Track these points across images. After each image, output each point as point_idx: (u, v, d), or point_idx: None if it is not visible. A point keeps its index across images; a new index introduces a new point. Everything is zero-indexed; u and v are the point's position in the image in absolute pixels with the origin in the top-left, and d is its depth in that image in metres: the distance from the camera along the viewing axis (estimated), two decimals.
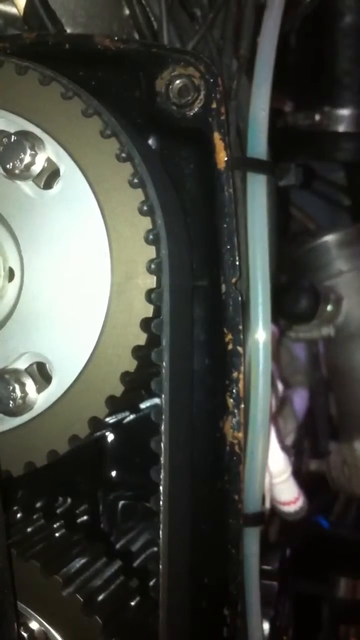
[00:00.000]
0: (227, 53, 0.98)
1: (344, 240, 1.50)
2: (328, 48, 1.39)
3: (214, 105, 0.82)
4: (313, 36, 1.40)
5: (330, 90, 1.39)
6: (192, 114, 0.83)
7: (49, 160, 0.75)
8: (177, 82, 0.82)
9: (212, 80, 0.82)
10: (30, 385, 0.76)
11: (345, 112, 1.37)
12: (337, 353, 1.50)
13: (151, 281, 0.73)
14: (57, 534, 0.85)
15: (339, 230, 1.52)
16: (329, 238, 1.50)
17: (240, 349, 0.85)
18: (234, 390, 0.85)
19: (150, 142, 0.86)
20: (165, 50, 0.84)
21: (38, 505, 0.94)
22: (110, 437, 0.96)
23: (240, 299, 0.85)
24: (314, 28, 1.39)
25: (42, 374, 0.77)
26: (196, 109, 0.83)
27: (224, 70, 0.97)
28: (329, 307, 1.41)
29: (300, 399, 1.46)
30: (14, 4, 0.92)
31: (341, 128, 1.37)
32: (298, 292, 1.35)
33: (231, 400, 0.85)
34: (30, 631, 0.76)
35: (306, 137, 1.40)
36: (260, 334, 0.91)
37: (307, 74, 1.41)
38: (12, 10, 0.93)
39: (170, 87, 0.82)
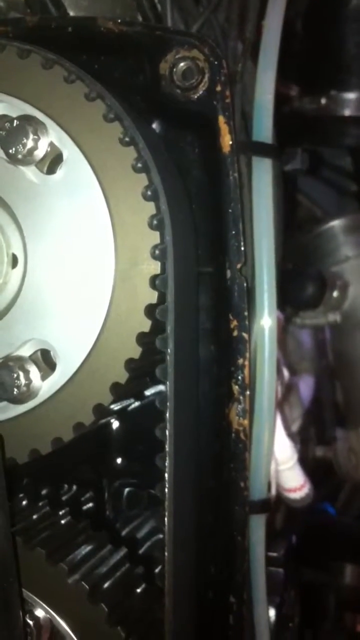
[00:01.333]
0: (232, 36, 0.97)
1: (350, 226, 1.49)
2: (334, 32, 1.37)
3: (218, 89, 0.81)
4: (319, 20, 1.39)
5: (337, 74, 1.37)
6: (196, 97, 0.82)
7: (52, 144, 0.74)
8: (181, 65, 0.81)
9: (216, 62, 0.81)
10: (34, 372, 0.75)
11: (351, 95, 1.35)
12: (343, 339, 1.50)
13: (155, 267, 0.73)
14: (62, 522, 0.85)
15: (345, 216, 1.51)
16: (336, 224, 1.49)
17: (245, 335, 0.84)
18: (240, 377, 0.85)
19: (154, 126, 0.86)
20: (169, 32, 0.83)
21: (43, 492, 0.94)
22: (115, 424, 0.95)
23: (245, 285, 0.84)
24: (320, 12, 1.38)
25: (46, 361, 0.76)
26: (200, 92, 0.81)
27: (229, 53, 0.96)
28: (335, 294, 1.40)
29: (306, 386, 1.45)
30: None
31: (347, 112, 1.36)
32: (304, 279, 1.34)
33: (236, 387, 0.85)
34: (35, 619, 0.76)
35: (312, 122, 1.39)
36: (266, 320, 0.90)
37: (313, 58, 1.40)
38: None
39: (174, 70, 0.81)
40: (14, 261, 0.76)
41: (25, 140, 0.73)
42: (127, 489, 0.96)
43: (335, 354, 1.53)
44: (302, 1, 1.34)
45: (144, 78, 0.84)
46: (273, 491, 1.06)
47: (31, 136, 0.73)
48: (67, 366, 0.74)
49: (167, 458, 0.74)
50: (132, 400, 0.95)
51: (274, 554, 1.04)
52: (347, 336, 1.48)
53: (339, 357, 1.53)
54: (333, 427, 1.57)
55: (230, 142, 0.82)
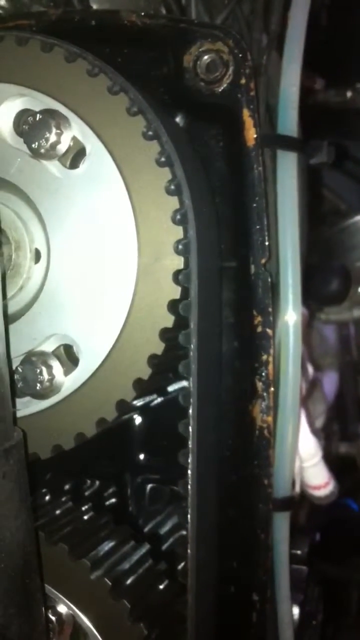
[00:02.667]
0: (257, 28, 0.96)
1: None
2: (359, 24, 1.36)
3: (243, 81, 0.80)
4: (344, 12, 1.38)
5: None
6: (220, 90, 0.81)
7: (74, 139, 0.73)
8: (205, 57, 0.80)
9: (241, 55, 0.80)
10: (57, 367, 0.75)
11: None
12: None
13: (179, 262, 0.72)
14: (85, 517, 0.85)
15: None
16: None
17: (269, 331, 0.83)
18: (263, 374, 0.84)
19: (177, 119, 0.85)
20: (193, 25, 0.82)
21: (66, 487, 0.94)
22: (138, 420, 0.95)
23: (269, 280, 0.83)
24: (345, 4, 1.37)
25: (69, 357, 0.76)
26: (225, 85, 0.81)
27: (254, 45, 0.95)
28: None
29: (330, 382, 1.44)
30: None
31: None
32: (329, 274, 1.33)
33: (260, 383, 0.84)
34: (58, 614, 0.76)
35: (337, 115, 1.38)
36: (291, 315, 0.90)
37: (338, 50, 1.38)
38: None
39: (198, 63, 0.80)
40: (37, 256, 0.75)
41: (48, 135, 0.72)
42: (149, 485, 0.96)
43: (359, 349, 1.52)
44: None
45: (167, 71, 0.83)
46: (297, 488, 1.05)
47: (54, 130, 0.72)
48: (89, 362, 0.74)
49: (190, 454, 0.73)
50: (155, 396, 0.94)
51: (298, 552, 1.04)
52: None
53: None
54: (356, 423, 1.56)
55: (255, 136, 0.81)
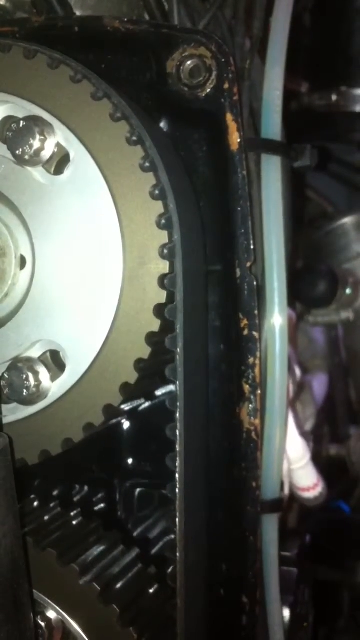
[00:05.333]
0: (240, 33, 0.96)
1: None
2: (343, 27, 1.37)
3: (226, 86, 0.81)
4: (328, 15, 1.38)
5: (347, 70, 1.37)
6: (204, 95, 0.81)
7: (58, 145, 0.74)
8: (189, 63, 0.81)
9: (224, 60, 0.80)
10: (44, 373, 0.75)
11: None
12: (356, 336, 1.49)
13: (164, 266, 0.72)
14: (74, 522, 0.85)
15: (357, 212, 1.50)
16: (347, 221, 1.49)
17: (256, 334, 0.84)
18: (250, 376, 0.84)
19: (161, 125, 0.85)
20: (176, 30, 0.82)
21: (55, 493, 0.94)
22: (126, 424, 0.95)
23: (255, 283, 0.84)
24: (328, 6, 1.37)
25: (55, 362, 0.76)
26: (208, 90, 0.81)
27: (237, 50, 0.95)
28: (348, 291, 1.39)
29: (319, 384, 1.45)
30: None
31: (358, 108, 1.35)
32: (316, 276, 1.33)
33: (247, 386, 0.84)
34: (47, 620, 0.76)
35: (322, 118, 1.38)
36: (277, 318, 0.90)
37: (323, 53, 1.39)
38: None
39: (182, 68, 0.81)
40: (23, 262, 0.75)
41: (32, 141, 0.72)
42: (138, 489, 0.96)
43: (348, 351, 1.53)
44: None
45: (151, 76, 0.83)
46: (286, 491, 1.05)
47: (38, 137, 0.72)
48: (76, 367, 0.74)
49: (178, 458, 0.73)
50: (142, 400, 0.95)
51: (288, 554, 1.04)
52: None
53: (352, 354, 1.52)
54: (347, 424, 1.56)
55: (239, 140, 0.82)
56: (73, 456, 0.78)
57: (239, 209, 0.83)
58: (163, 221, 0.72)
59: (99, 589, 0.76)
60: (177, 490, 0.73)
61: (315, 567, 1.27)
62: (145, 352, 0.73)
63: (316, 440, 1.38)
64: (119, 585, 0.78)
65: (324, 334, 1.51)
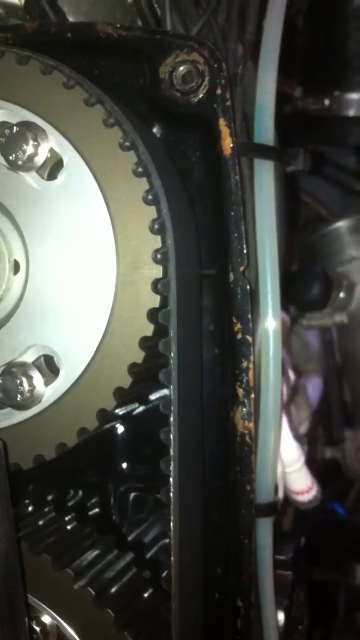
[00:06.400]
0: (232, 38, 0.97)
1: (356, 226, 1.49)
2: (337, 30, 1.37)
3: (219, 91, 0.81)
4: (321, 18, 1.38)
5: (340, 74, 1.37)
6: (196, 100, 0.82)
7: (52, 150, 0.74)
8: (181, 68, 0.81)
9: (216, 65, 0.81)
10: (37, 378, 0.75)
11: (355, 96, 1.35)
12: (350, 339, 1.49)
13: (157, 271, 0.73)
14: (68, 527, 0.85)
15: (351, 216, 1.51)
16: (341, 224, 1.49)
17: (249, 338, 0.84)
18: (244, 380, 0.85)
19: (154, 130, 0.85)
20: (169, 36, 0.82)
21: (49, 498, 0.94)
22: (120, 429, 0.95)
23: (248, 287, 0.84)
24: (322, 10, 1.38)
25: (49, 367, 0.76)
26: (201, 95, 0.81)
27: (229, 55, 0.95)
28: (342, 294, 1.40)
29: (313, 387, 1.45)
30: None
31: (351, 112, 1.36)
32: (310, 279, 1.34)
33: (241, 390, 0.85)
34: (42, 625, 0.76)
35: (316, 122, 1.39)
36: (270, 322, 0.90)
37: (316, 57, 1.39)
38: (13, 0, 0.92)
39: (174, 73, 0.81)
40: (16, 267, 0.76)
41: (25, 147, 0.73)
42: (133, 494, 0.96)
43: (342, 354, 1.53)
44: None
45: (144, 82, 0.84)
46: (280, 494, 1.05)
47: (31, 142, 0.73)
48: (70, 371, 0.74)
49: (172, 462, 0.73)
50: (136, 404, 0.95)
51: (282, 557, 1.04)
52: (354, 336, 1.48)
53: (346, 357, 1.53)
54: (341, 427, 1.56)
55: (232, 145, 0.82)
56: (67, 461, 0.78)
57: (232, 213, 0.83)
58: (156, 226, 0.72)
59: (94, 593, 0.76)
60: (171, 494, 0.74)
61: (311, 568, 1.27)
62: (139, 356, 0.73)
63: (311, 443, 1.38)
64: (113, 590, 0.79)
65: (318, 337, 1.51)
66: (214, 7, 0.95)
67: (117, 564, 0.82)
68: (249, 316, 0.84)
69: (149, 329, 0.73)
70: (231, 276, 0.84)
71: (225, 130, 0.82)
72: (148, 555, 0.91)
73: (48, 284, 0.74)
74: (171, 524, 0.74)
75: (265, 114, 0.91)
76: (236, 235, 0.83)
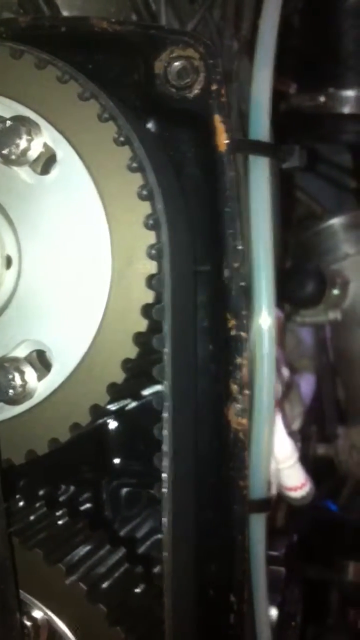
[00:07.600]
0: (228, 34, 0.97)
1: (350, 223, 1.50)
2: (332, 28, 1.37)
3: (214, 87, 0.81)
4: (317, 16, 1.38)
5: (335, 72, 1.37)
6: (191, 96, 0.81)
7: (45, 145, 0.74)
8: (176, 64, 0.81)
9: (211, 61, 0.80)
10: (30, 373, 0.75)
11: (350, 93, 1.35)
12: (344, 337, 1.50)
13: (152, 267, 0.72)
14: (60, 522, 0.85)
15: (345, 213, 1.51)
16: (335, 221, 1.49)
17: (243, 334, 0.84)
18: (238, 376, 0.84)
19: (149, 125, 0.85)
20: (164, 31, 0.82)
21: (40, 493, 0.94)
22: (113, 424, 0.95)
23: (243, 284, 0.84)
24: (317, 8, 1.38)
25: (42, 362, 0.76)
26: (196, 91, 0.81)
27: (225, 51, 0.95)
28: (336, 291, 1.40)
29: (307, 384, 1.45)
30: None
31: (346, 110, 1.36)
32: (304, 276, 1.34)
33: (235, 386, 0.84)
34: (33, 620, 0.76)
35: (311, 120, 1.39)
36: (264, 319, 0.90)
37: (311, 55, 1.39)
38: None
39: (169, 69, 0.81)
40: (8, 262, 0.75)
41: (18, 141, 0.72)
42: (125, 489, 0.96)
43: (336, 351, 1.53)
44: None
45: (138, 77, 0.83)
46: (274, 490, 1.06)
47: (24, 137, 0.72)
48: (63, 367, 0.74)
49: (165, 457, 0.73)
50: (129, 400, 0.95)
51: (275, 553, 1.04)
52: (347, 333, 1.48)
53: (339, 354, 1.53)
54: (334, 424, 1.57)
55: (226, 141, 0.82)
56: (60, 456, 0.78)
57: (227, 209, 0.83)
58: (151, 221, 0.72)
59: (86, 588, 0.76)
60: (164, 490, 0.74)
61: (304, 566, 1.28)
62: (132, 352, 0.73)
63: (304, 439, 1.38)
64: (105, 585, 0.79)
65: (311, 334, 1.51)
66: (210, 3, 0.95)
67: (109, 560, 0.82)
68: (244, 313, 0.84)
69: (142, 325, 0.73)
70: (226, 272, 0.84)
71: (220, 127, 0.81)
72: (140, 551, 0.91)
73: (41, 279, 0.74)
74: (164, 519, 0.74)
75: (260, 110, 0.91)
76: (231, 231, 0.83)
